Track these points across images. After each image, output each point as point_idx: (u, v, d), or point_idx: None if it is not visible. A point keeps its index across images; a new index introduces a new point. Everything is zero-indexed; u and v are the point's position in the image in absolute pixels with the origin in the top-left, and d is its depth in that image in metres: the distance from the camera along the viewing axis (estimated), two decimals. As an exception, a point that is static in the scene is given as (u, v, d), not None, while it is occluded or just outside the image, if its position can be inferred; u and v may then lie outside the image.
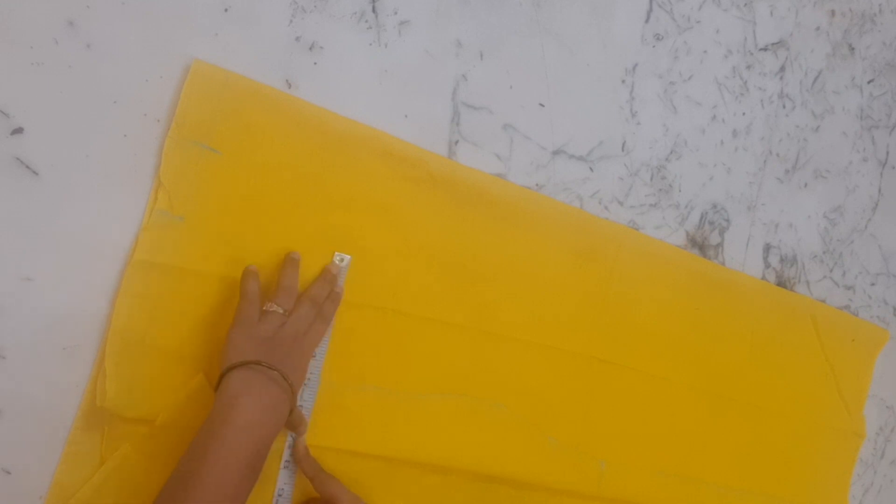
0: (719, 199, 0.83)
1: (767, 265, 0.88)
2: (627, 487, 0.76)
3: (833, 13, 0.91)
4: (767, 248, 0.87)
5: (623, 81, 0.76)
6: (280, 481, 0.59)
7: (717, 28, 0.82)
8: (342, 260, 0.62)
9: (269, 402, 0.51)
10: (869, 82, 0.95)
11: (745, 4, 0.83)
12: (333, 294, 0.61)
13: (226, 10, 0.57)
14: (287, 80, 0.60)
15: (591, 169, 0.74)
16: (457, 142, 0.68)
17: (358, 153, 0.62)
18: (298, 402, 0.59)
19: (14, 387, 0.52)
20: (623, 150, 0.76)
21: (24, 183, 0.51)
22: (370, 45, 0.63)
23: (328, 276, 0.61)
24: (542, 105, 0.72)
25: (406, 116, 0.65)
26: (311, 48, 0.61)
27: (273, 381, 0.52)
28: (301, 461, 0.59)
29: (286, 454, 0.60)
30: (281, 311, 0.56)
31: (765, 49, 0.85)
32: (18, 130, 0.51)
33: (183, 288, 0.56)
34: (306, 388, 0.60)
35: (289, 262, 0.59)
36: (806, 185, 0.90)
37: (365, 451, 0.63)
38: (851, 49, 0.93)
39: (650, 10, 0.77)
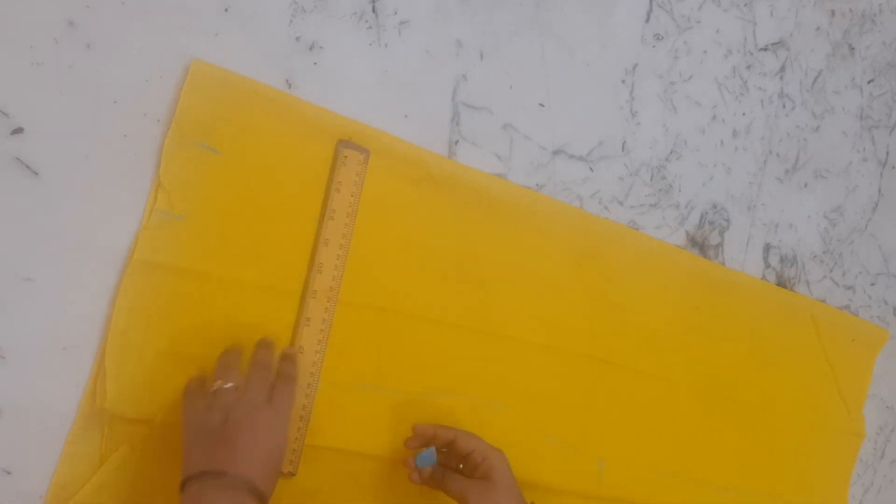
0: (719, 199, 0.83)
1: (767, 265, 0.88)
2: (627, 487, 0.76)
3: (833, 13, 0.91)
4: (767, 248, 0.87)
5: (623, 81, 0.76)
6: None
7: (717, 28, 0.82)
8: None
9: None
10: (869, 82, 0.95)
11: (745, 4, 0.83)
12: (285, 353, 0.57)
13: (226, 10, 0.57)
14: (287, 80, 0.60)
15: (591, 169, 0.74)
16: (457, 142, 0.68)
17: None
18: (303, 402, 0.58)
19: (14, 387, 0.52)
20: (623, 150, 0.76)
21: (24, 183, 0.51)
22: (370, 45, 0.63)
23: (264, 342, 0.56)
24: (542, 105, 0.72)
25: (406, 116, 0.65)
26: (311, 48, 0.61)
27: (225, 489, 0.46)
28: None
29: None
30: (229, 385, 0.51)
31: (765, 49, 0.85)
32: (18, 130, 0.51)
33: (183, 288, 0.56)
34: (308, 389, 0.60)
35: (230, 347, 0.56)
36: (806, 185, 0.90)
37: (365, 451, 0.63)
38: (851, 49, 0.93)
39: (650, 10, 0.77)
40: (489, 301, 0.69)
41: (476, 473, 0.58)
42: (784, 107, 0.88)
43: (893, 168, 0.98)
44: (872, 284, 0.97)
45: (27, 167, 0.52)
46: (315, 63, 0.61)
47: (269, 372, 0.54)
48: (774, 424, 0.87)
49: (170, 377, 0.56)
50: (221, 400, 0.51)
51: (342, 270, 0.61)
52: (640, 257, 0.77)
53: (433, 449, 0.60)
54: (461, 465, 0.59)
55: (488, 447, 0.59)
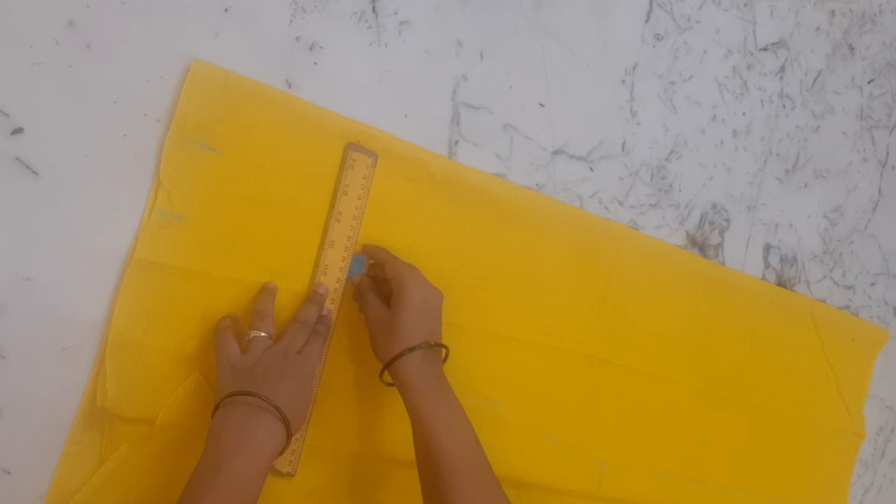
0: (719, 199, 0.83)
1: (767, 265, 0.88)
2: (627, 487, 0.76)
3: (833, 13, 0.91)
4: (767, 248, 0.87)
5: (623, 81, 0.76)
6: None
7: (717, 28, 0.82)
8: (343, 268, 0.61)
9: (246, 432, 0.48)
10: (869, 82, 0.95)
11: (745, 4, 0.83)
12: (324, 317, 0.59)
13: (226, 10, 0.57)
14: (287, 80, 0.60)
15: (591, 169, 0.74)
16: (457, 142, 0.68)
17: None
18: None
19: (14, 387, 0.52)
20: (623, 150, 0.76)
21: (24, 183, 0.51)
22: (370, 45, 0.63)
23: (315, 298, 0.59)
24: (542, 105, 0.72)
25: (406, 116, 0.65)
26: (311, 48, 0.61)
27: (251, 406, 0.50)
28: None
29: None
30: (264, 335, 0.55)
31: (765, 49, 0.85)
32: (18, 130, 0.51)
33: (183, 288, 0.56)
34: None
35: (265, 290, 0.58)
36: (806, 185, 0.90)
37: (365, 451, 0.63)
38: (851, 49, 0.93)
39: (650, 10, 0.77)
40: (489, 301, 0.69)
41: (391, 299, 0.57)
42: (784, 107, 0.88)
43: (893, 168, 0.98)
44: (872, 284, 0.97)
45: (27, 167, 0.52)
46: (315, 63, 0.61)
47: (308, 329, 0.57)
48: (774, 424, 0.87)
49: (170, 377, 0.56)
50: (256, 347, 0.54)
51: (346, 273, 0.61)
52: (640, 257, 0.77)
53: (364, 256, 0.61)
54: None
55: (404, 278, 0.57)
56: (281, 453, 0.51)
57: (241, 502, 0.47)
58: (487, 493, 0.52)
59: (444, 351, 0.58)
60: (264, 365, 0.52)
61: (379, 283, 0.61)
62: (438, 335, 0.58)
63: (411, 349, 0.54)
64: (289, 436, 0.51)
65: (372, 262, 0.62)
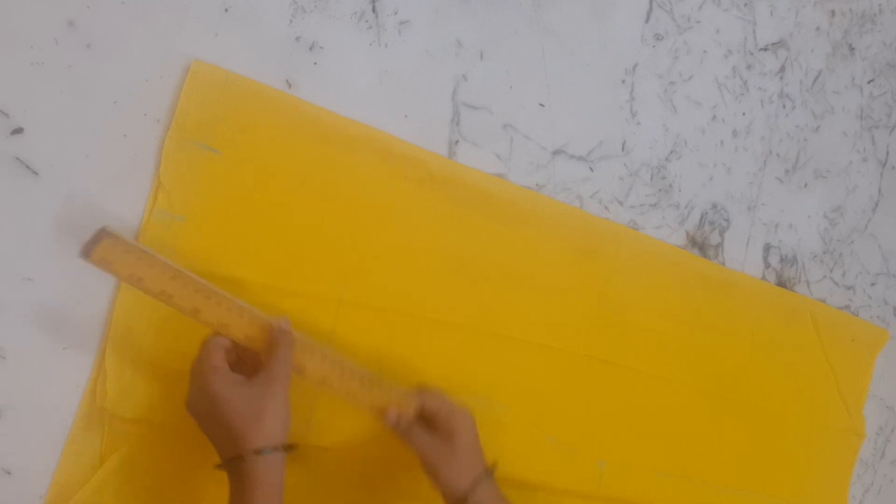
0: (719, 199, 0.83)
1: (767, 265, 0.88)
2: (627, 487, 0.76)
3: (833, 13, 0.91)
4: (767, 248, 0.87)
5: (623, 81, 0.76)
6: None
7: (717, 28, 0.82)
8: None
9: (243, 495, 0.48)
10: (869, 82, 0.95)
11: (745, 4, 0.83)
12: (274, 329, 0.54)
13: (226, 10, 0.57)
14: (287, 80, 0.60)
15: (591, 169, 0.74)
16: (457, 142, 0.68)
17: (358, 153, 0.62)
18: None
19: (14, 387, 0.52)
20: (623, 150, 0.76)
21: (24, 183, 0.51)
22: (370, 45, 0.63)
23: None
24: (542, 105, 0.72)
25: (406, 116, 0.65)
26: (311, 48, 0.61)
27: (231, 472, 0.49)
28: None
29: None
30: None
31: (765, 49, 0.85)
32: (18, 130, 0.51)
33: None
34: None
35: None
36: (806, 185, 0.90)
37: (365, 451, 0.63)
38: (851, 49, 0.93)
39: (650, 10, 0.77)
40: (489, 301, 0.69)
41: (440, 431, 0.58)
42: (784, 107, 0.88)
43: (893, 168, 0.98)
44: (872, 284, 0.97)
45: (27, 167, 0.52)
46: (315, 63, 0.61)
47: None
48: (774, 424, 0.87)
49: (170, 377, 0.56)
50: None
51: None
52: (640, 257, 0.77)
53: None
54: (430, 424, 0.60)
55: (453, 407, 0.60)
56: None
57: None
58: None
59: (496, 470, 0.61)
60: (200, 415, 0.50)
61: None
62: (486, 459, 0.61)
63: (478, 479, 0.58)
64: (279, 447, 0.50)
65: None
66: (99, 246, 0.49)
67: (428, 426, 0.59)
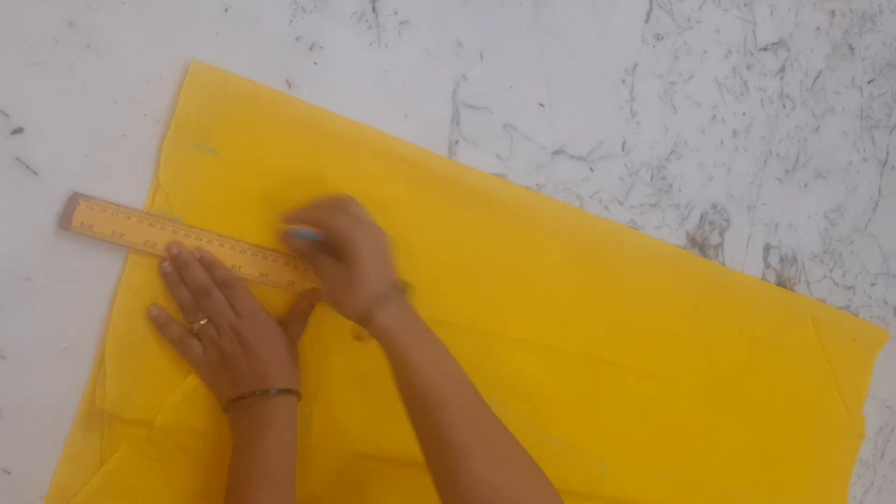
0: (719, 199, 0.83)
1: (767, 265, 0.88)
2: (627, 487, 0.76)
3: (833, 13, 0.91)
4: (767, 248, 0.87)
5: (623, 81, 0.76)
6: None
7: (717, 28, 0.82)
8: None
9: (263, 422, 0.53)
10: (869, 82, 0.95)
11: (745, 4, 0.83)
12: (207, 263, 0.55)
13: (226, 10, 0.57)
14: (287, 80, 0.60)
15: (591, 169, 0.74)
16: (457, 142, 0.68)
17: (358, 153, 0.62)
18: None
19: (14, 387, 0.52)
20: (623, 150, 0.76)
21: (24, 183, 0.51)
22: (370, 45, 0.63)
23: (183, 260, 0.55)
24: (542, 105, 0.72)
25: (406, 116, 0.65)
26: (311, 48, 0.61)
27: (258, 403, 0.53)
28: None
29: None
30: (204, 321, 0.55)
31: (765, 49, 0.85)
32: (18, 130, 0.51)
33: (183, 288, 0.56)
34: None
35: (170, 283, 0.55)
36: (806, 185, 0.90)
37: (365, 451, 0.63)
38: (851, 49, 0.93)
39: (650, 10, 0.77)
40: (489, 301, 0.69)
41: (341, 252, 0.53)
42: (784, 107, 0.88)
43: (893, 168, 0.98)
44: (872, 284, 0.97)
45: (27, 167, 0.52)
46: (315, 63, 0.61)
47: (216, 291, 0.55)
48: (774, 424, 0.87)
49: (169, 378, 0.56)
50: (208, 337, 0.55)
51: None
52: (640, 257, 0.77)
53: (314, 231, 0.56)
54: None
55: (356, 228, 0.53)
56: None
57: (278, 469, 0.51)
58: (482, 420, 0.54)
59: (409, 289, 0.56)
60: (230, 354, 0.54)
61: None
62: (397, 275, 0.55)
63: (380, 296, 0.52)
64: (298, 393, 0.55)
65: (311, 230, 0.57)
66: (76, 212, 0.52)
67: (334, 252, 0.54)
